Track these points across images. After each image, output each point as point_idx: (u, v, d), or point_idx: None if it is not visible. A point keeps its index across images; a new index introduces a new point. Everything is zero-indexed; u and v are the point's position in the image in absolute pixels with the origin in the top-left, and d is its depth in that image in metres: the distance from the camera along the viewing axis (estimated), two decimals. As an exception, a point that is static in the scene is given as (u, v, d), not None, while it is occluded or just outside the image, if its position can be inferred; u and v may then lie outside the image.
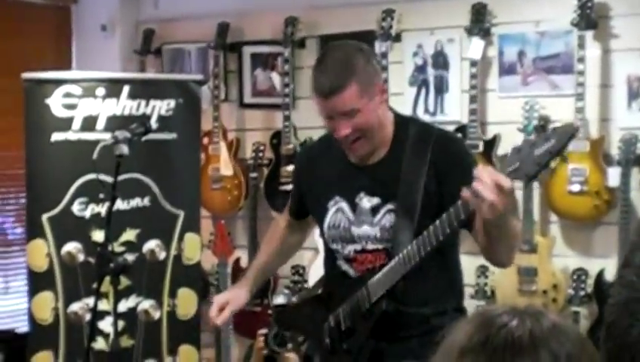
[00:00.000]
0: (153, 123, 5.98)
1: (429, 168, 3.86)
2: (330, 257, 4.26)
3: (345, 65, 3.84)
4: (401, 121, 4.09)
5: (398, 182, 3.91)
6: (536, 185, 5.97)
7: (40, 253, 6.02)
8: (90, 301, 5.58)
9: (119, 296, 5.67)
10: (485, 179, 3.28)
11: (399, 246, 3.86)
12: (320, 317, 4.20)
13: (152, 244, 6.11)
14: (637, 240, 0.74)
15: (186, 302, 6.22)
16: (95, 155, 5.57)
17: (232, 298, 4.43)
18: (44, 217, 6.02)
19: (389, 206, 3.96)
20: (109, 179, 5.27)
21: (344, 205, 4.07)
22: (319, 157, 4.27)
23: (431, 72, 6.53)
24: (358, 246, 4.05)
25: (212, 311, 4.42)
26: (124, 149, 5.06)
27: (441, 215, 3.62)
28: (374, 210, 4.00)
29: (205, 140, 6.81)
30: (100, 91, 6.11)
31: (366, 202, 4.02)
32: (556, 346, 1.52)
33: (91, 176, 5.70)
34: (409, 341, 3.95)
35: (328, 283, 4.35)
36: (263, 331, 4.84)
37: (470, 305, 5.66)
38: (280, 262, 4.79)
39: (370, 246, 4.02)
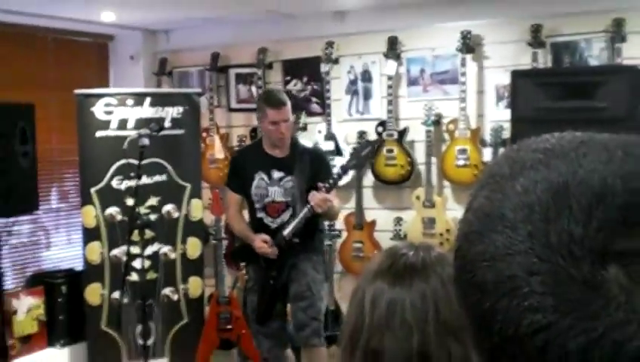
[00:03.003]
0: (167, 123, 6.05)
1: (310, 164, 5.08)
2: (252, 211, 5.24)
3: (285, 96, 5.17)
4: (295, 140, 5.33)
5: (294, 168, 5.07)
6: (434, 160, 6.01)
7: (90, 215, 6.00)
8: (126, 247, 5.56)
9: (146, 243, 5.70)
10: (320, 196, 4.84)
11: (294, 200, 5.07)
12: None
13: (168, 207, 6.08)
14: (474, 193, 0.75)
15: (193, 246, 6.19)
16: (125, 146, 5.54)
17: (266, 238, 5.07)
18: (93, 190, 5.99)
19: (289, 178, 5.09)
20: (136, 162, 5.32)
21: (264, 175, 5.12)
22: (247, 155, 5.38)
23: (360, 85, 6.49)
24: (269, 199, 5.13)
25: (265, 248, 5.05)
26: (145, 141, 5.19)
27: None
28: (280, 179, 5.11)
29: (204, 134, 6.76)
30: (130, 102, 6.09)
31: (276, 174, 5.11)
32: (440, 269, 1.55)
33: (124, 160, 5.71)
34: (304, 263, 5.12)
35: (253, 228, 5.23)
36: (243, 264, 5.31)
37: (390, 244, 5.68)
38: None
39: (278, 199, 5.11)
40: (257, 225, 5.19)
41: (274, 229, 5.11)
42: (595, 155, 0.68)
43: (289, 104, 5.09)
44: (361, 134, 6.35)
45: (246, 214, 5.43)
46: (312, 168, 5.08)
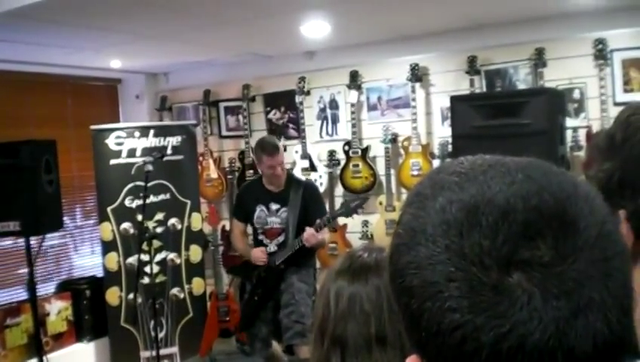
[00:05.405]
0: (169, 150, 6.03)
1: (302, 197, 5.09)
2: (255, 234, 5.27)
3: (278, 143, 5.11)
4: (289, 174, 5.30)
5: (288, 200, 5.08)
6: (393, 172, 6.03)
7: (107, 230, 5.96)
8: (138, 256, 5.53)
9: (155, 252, 5.69)
10: (309, 233, 4.85)
11: (288, 228, 5.07)
12: (252, 268, 5.22)
13: (173, 220, 6.06)
14: (404, 209, 0.76)
15: (195, 252, 6.17)
16: (133, 171, 5.56)
17: (263, 249, 5.16)
18: (109, 209, 5.97)
19: (284, 209, 5.11)
20: (143, 184, 5.30)
21: (263, 208, 5.17)
22: (249, 191, 5.31)
23: (329, 111, 6.48)
24: (269, 226, 5.17)
25: (261, 257, 5.12)
26: (150, 167, 5.16)
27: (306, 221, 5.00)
28: (277, 211, 5.13)
29: (200, 158, 6.74)
30: (137, 134, 6.07)
31: (273, 206, 5.14)
32: None
33: (133, 183, 5.70)
34: (291, 276, 5.11)
35: (255, 247, 5.27)
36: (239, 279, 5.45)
37: (359, 243, 5.71)
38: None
39: (275, 226, 5.15)
40: (258, 245, 5.25)
41: (271, 252, 5.16)
42: (500, 178, 0.69)
43: (281, 148, 5.11)
44: (331, 153, 6.38)
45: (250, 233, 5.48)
46: (304, 199, 5.10)
